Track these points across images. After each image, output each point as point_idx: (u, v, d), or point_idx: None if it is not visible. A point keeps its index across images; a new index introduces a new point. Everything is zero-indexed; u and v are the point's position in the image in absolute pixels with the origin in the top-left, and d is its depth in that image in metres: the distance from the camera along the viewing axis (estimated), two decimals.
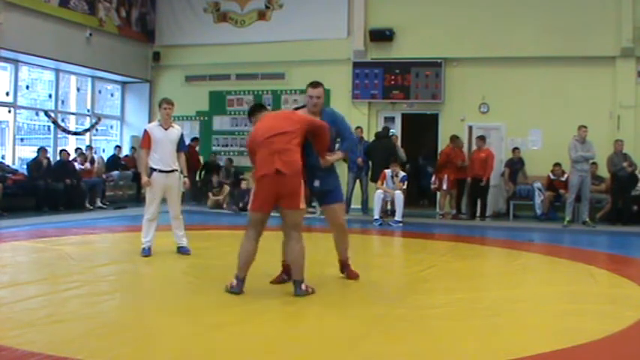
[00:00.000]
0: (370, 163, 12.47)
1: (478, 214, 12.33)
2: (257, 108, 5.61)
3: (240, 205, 12.97)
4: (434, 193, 13.27)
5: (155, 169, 6.94)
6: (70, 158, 12.99)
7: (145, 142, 7.01)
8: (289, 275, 5.32)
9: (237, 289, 5.06)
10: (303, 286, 5.05)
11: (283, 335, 4.11)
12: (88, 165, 13.43)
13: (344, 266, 5.81)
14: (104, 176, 13.85)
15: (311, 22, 14.38)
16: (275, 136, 4.96)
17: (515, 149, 12.96)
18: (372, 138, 13.04)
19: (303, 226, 5.19)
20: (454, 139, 12.63)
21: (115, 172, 14.28)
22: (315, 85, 5.44)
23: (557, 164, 12.29)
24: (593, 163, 11.81)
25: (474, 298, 5.34)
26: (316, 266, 6.04)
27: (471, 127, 13.35)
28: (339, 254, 5.80)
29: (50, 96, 14.09)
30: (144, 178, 6.99)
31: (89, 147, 14.37)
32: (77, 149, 13.79)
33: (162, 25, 15.85)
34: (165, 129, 7.03)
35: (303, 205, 5.06)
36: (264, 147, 4.99)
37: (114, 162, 14.62)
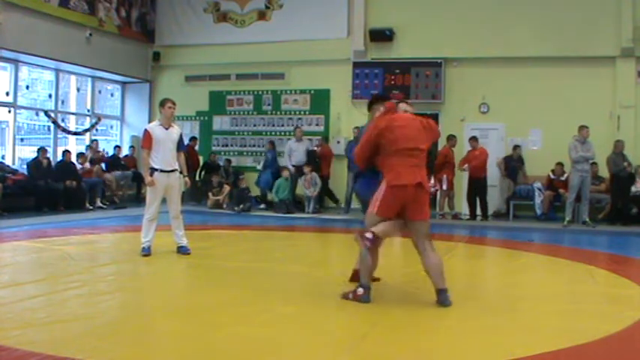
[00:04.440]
0: None
1: (478, 213, 12.29)
2: (380, 99, 5.58)
3: (241, 206, 12.97)
4: (433, 196, 13.05)
5: (156, 169, 6.95)
6: (74, 159, 12.98)
7: (146, 142, 7.00)
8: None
9: (366, 298, 4.92)
10: (450, 295, 4.89)
11: (283, 335, 4.10)
12: (87, 165, 13.41)
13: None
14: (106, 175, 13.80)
15: (311, 22, 14.38)
16: (415, 150, 4.96)
17: (516, 147, 12.93)
18: None
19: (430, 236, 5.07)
20: (451, 138, 12.60)
21: (106, 176, 14.05)
22: None
23: (559, 163, 12.29)
24: (594, 164, 11.81)
25: (473, 298, 5.34)
26: (318, 267, 6.04)
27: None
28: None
29: (50, 96, 14.08)
30: (147, 178, 6.99)
31: (89, 146, 14.32)
32: (81, 154, 13.73)
33: (162, 25, 15.86)
34: (166, 129, 7.04)
35: (429, 215, 5.05)
36: (404, 156, 4.92)
37: (114, 162, 14.59)
